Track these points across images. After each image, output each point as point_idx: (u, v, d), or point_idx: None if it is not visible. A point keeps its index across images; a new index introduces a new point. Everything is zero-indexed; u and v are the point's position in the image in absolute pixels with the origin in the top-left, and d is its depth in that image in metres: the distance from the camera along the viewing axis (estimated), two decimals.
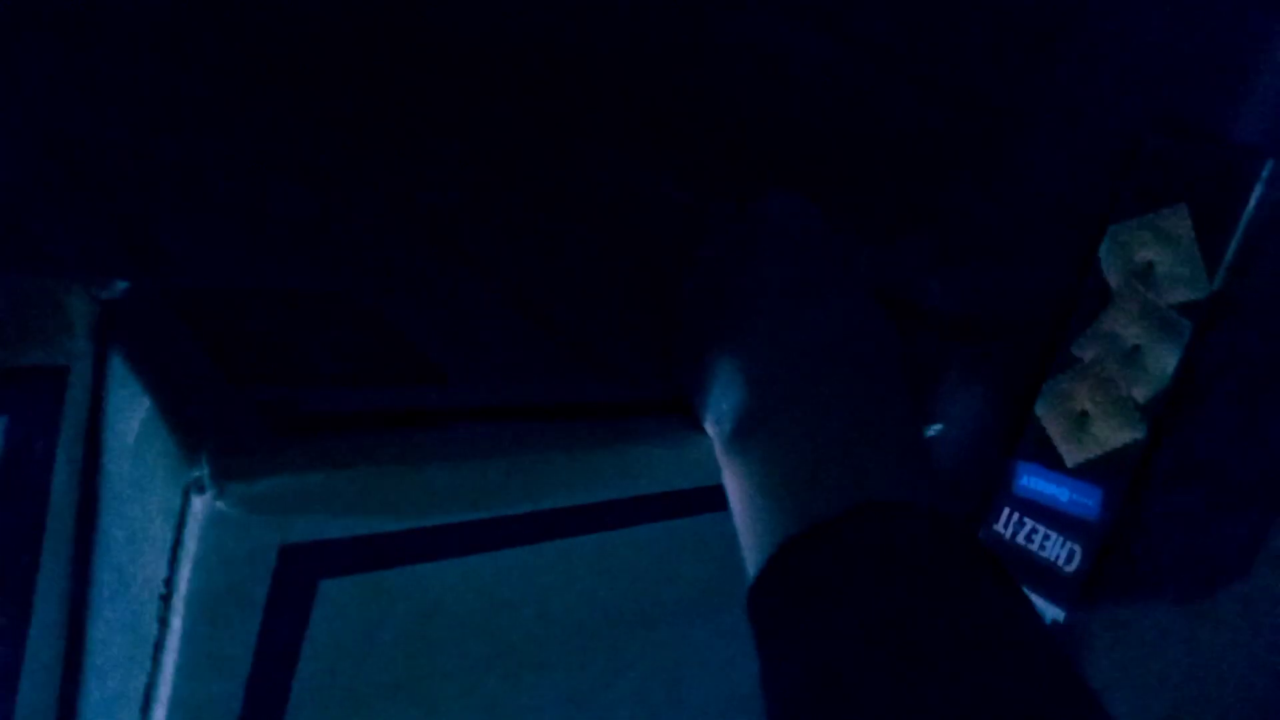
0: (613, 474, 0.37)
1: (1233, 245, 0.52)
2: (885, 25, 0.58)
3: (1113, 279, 0.54)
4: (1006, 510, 0.58)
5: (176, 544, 0.28)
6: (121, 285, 0.31)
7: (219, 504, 0.27)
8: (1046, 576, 0.55)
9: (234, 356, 0.32)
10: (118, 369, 0.31)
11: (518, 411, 0.35)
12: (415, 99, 0.57)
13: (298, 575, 0.29)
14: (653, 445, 0.38)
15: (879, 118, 0.59)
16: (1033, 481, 0.57)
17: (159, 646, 0.29)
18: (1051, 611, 0.54)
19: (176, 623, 0.28)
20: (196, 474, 0.27)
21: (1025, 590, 0.33)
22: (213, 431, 0.28)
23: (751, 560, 0.34)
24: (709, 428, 0.37)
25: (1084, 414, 0.56)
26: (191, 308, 0.33)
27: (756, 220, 0.42)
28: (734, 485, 0.35)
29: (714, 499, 0.40)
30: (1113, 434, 0.54)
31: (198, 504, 0.27)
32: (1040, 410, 0.56)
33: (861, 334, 0.37)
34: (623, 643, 0.41)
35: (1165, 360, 0.53)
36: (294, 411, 0.30)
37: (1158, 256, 0.53)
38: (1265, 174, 0.51)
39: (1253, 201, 0.52)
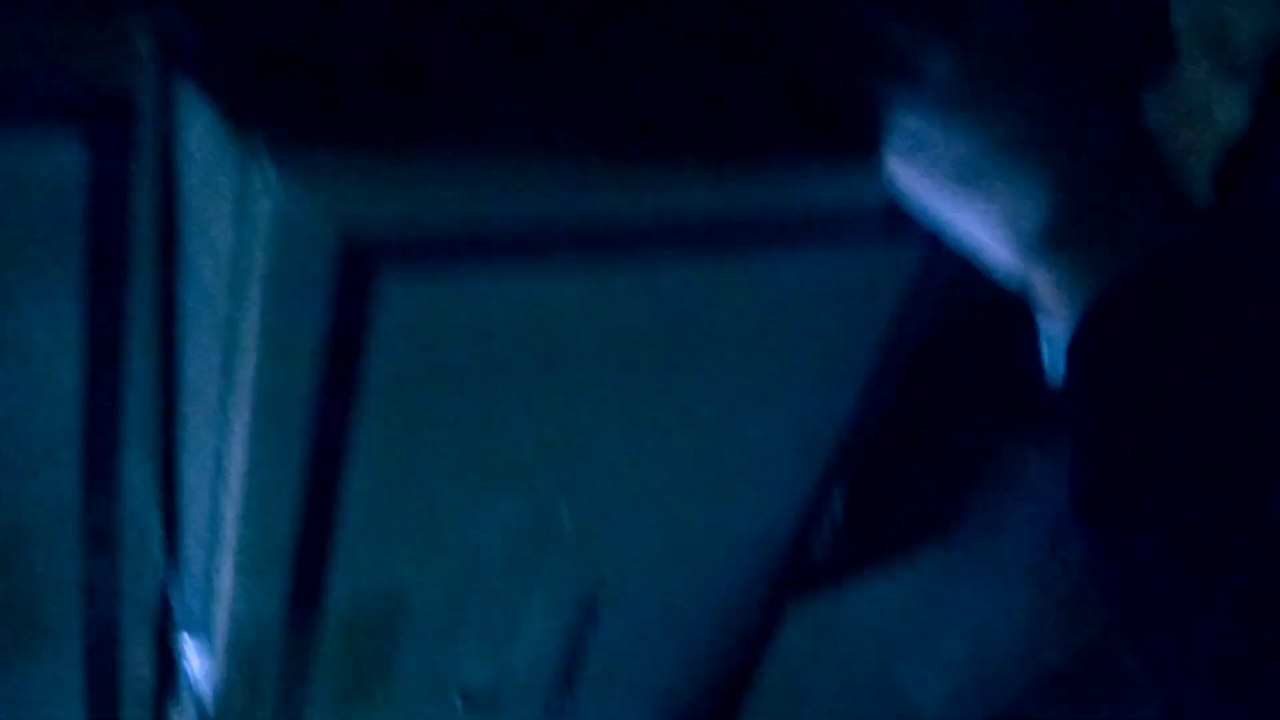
0: (688, 190, 0.38)
1: None
2: None
3: (1182, 34, 0.53)
4: None
5: (244, 224, 0.30)
6: (176, 11, 0.33)
7: (279, 181, 0.29)
8: None
9: (291, 74, 0.34)
10: (182, 92, 0.33)
11: (579, 130, 0.36)
12: None
13: (360, 268, 0.32)
14: (733, 166, 0.39)
15: None
16: None
17: (236, 327, 0.32)
18: None
19: (252, 302, 0.31)
20: (256, 152, 0.29)
21: None
22: (271, 120, 0.30)
23: (1065, 314, 0.38)
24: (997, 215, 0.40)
25: None
26: (244, 31, 0.35)
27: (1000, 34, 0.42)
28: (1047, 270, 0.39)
29: (789, 232, 0.42)
30: None
31: (259, 181, 0.29)
32: None
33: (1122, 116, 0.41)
34: (679, 371, 0.43)
35: (1233, 115, 0.52)
36: (353, 115, 0.32)
37: (1231, 8, 0.52)
38: None
39: None
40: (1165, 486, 0.33)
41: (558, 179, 0.35)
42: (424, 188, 0.32)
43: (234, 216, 0.31)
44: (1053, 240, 0.38)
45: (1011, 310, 0.47)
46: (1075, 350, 0.37)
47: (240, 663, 0.40)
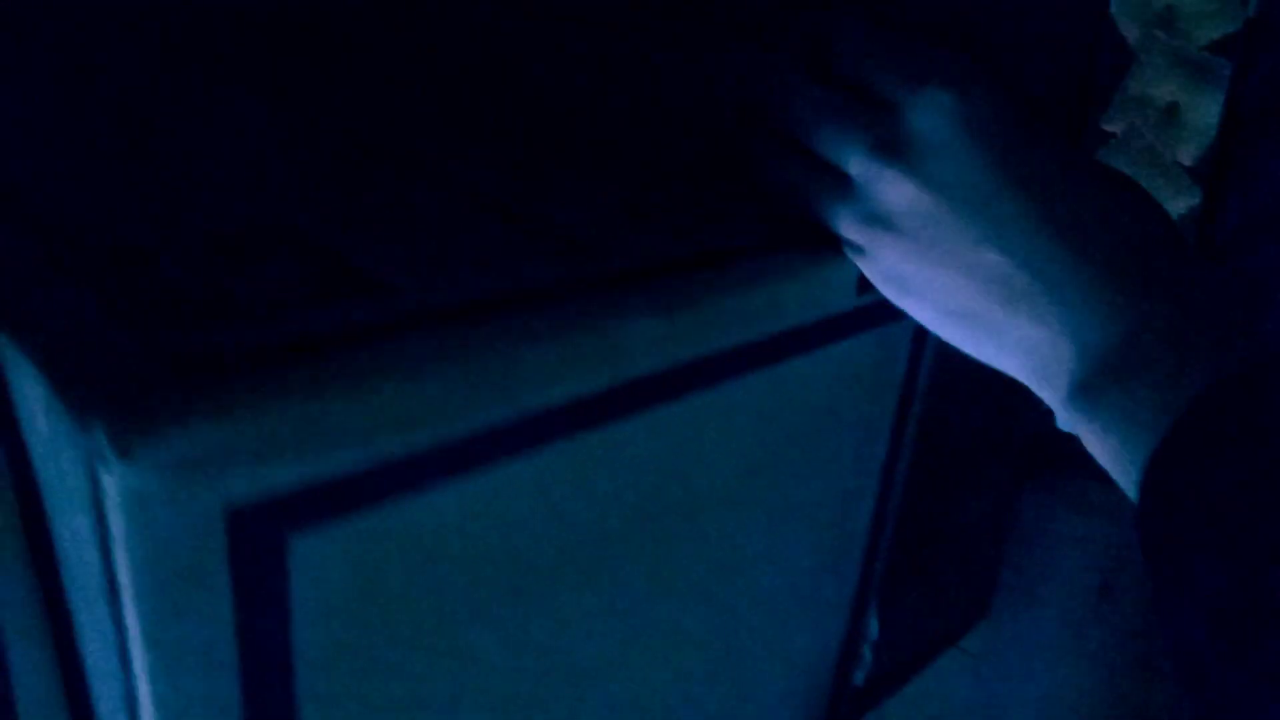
0: (604, 354, 0.32)
1: None
2: None
3: (1131, 35, 0.48)
4: None
5: (103, 532, 0.23)
6: None
7: (131, 475, 0.22)
8: None
9: (136, 304, 0.27)
10: (6, 345, 0.26)
11: (490, 306, 0.30)
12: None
13: (260, 538, 0.25)
14: (658, 315, 0.32)
15: None
16: None
17: (125, 650, 0.25)
18: None
19: (132, 620, 0.24)
20: (98, 444, 0.22)
21: None
22: (112, 391, 0.23)
23: (1138, 447, 0.31)
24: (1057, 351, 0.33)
25: None
26: (81, 257, 0.28)
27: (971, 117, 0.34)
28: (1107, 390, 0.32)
29: (733, 361, 0.36)
30: (1165, 205, 0.49)
31: (108, 480, 0.22)
32: None
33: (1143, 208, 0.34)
34: (666, 541, 0.36)
35: (1207, 111, 0.47)
36: (209, 351, 0.25)
37: None
38: None
39: None
40: None
41: (472, 390, 0.28)
42: (316, 429, 0.25)
43: (85, 502, 0.24)
44: (1092, 386, 0.32)
45: None
46: (1155, 489, 0.30)
47: None
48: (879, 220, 0.34)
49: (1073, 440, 0.34)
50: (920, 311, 0.36)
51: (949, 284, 0.34)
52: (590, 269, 0.33)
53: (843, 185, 0.36)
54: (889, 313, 0.41)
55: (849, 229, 0.36)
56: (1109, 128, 0.49)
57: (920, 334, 0.44)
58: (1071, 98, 0.50)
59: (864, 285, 0.39)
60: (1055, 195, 0.32)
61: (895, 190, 0.33)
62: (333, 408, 0.25)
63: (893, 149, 0.33)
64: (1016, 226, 0.32)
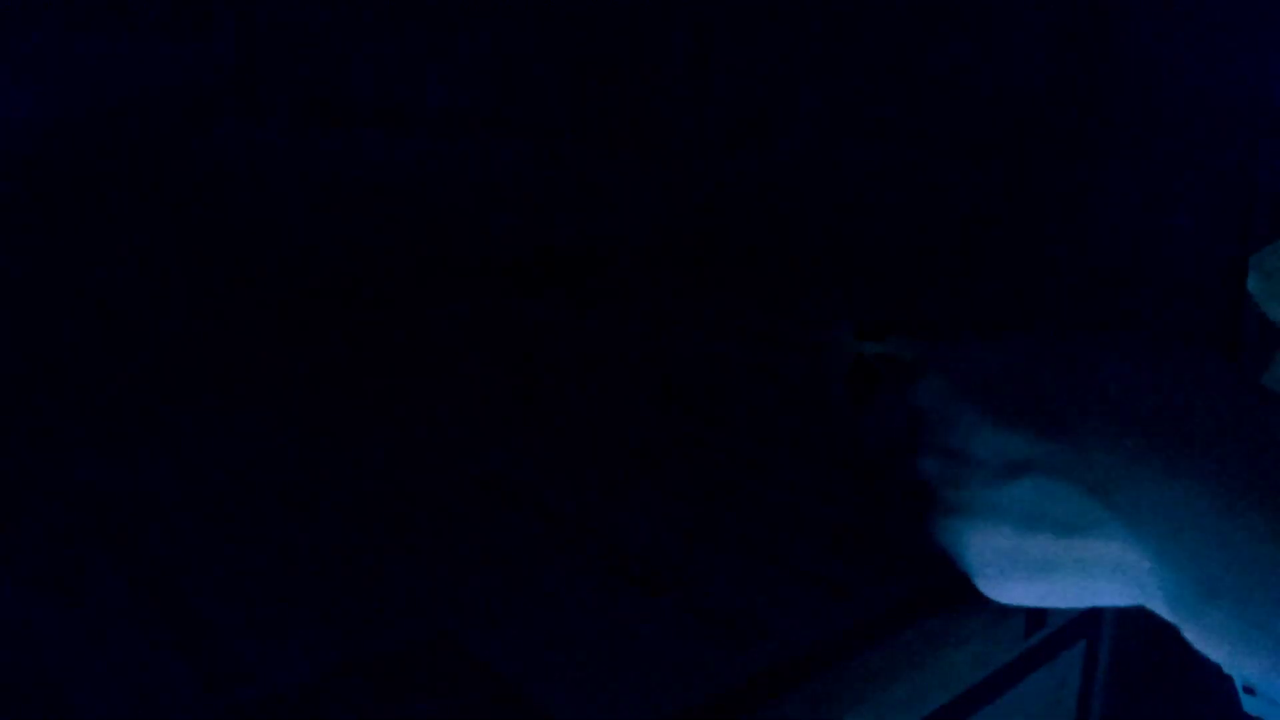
0: None
1: None
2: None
3: (1274, 312, 0.48)
4: None
5: None
6: None
7: None
8: None
9: None
10: None
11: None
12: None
13: None
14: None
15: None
16: None
17: None
18: None
19: None
20: None
21: None
22: None
23: None
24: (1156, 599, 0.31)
25: None
26: None
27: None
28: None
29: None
30: None
31: None
32: None
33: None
34: None
35: None
36: None
37: None
38: None
39: None
40: None
41: None
42: None
43: None
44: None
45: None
46: None
47: None
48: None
49: None
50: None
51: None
52: (763, 658, 0.34)
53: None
54: (1059, 644, 0.41)
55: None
56: None
57: (1092, 652, 0.43)
58: None
59: (1031, 628, 0.39)
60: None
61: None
62: None
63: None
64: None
